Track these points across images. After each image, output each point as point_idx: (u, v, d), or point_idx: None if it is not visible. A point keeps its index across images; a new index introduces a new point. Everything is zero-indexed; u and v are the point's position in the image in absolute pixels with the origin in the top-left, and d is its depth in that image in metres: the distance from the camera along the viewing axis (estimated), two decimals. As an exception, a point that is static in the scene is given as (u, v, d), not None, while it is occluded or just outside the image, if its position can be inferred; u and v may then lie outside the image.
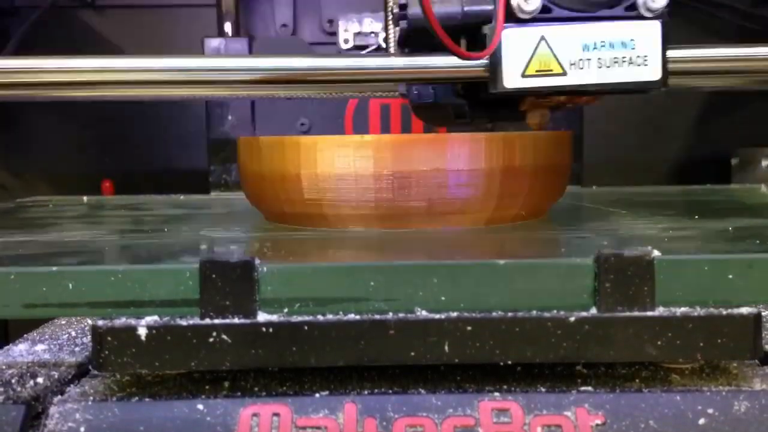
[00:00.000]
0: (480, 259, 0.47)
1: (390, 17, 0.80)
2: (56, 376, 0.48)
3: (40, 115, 1.23)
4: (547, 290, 0.46)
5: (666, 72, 0.72)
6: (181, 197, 1.01)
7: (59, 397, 0.45)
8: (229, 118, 1.23)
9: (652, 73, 0.71)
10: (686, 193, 0.93)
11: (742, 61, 0.86)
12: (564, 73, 0.69)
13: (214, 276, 0.45)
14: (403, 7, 0.76)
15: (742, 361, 0.48)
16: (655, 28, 0.71)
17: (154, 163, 1.27)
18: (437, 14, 0.70)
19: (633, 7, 0.70)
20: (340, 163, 0.61)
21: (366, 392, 0.45)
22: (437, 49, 0.69)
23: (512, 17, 0.69)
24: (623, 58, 0.71)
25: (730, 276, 0.46)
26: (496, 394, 0.44)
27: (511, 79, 0.69)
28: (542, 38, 0.69)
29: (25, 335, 0.57)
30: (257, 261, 0.46)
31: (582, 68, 0.70)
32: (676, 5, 1.24)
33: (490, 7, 0.70)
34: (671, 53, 0.73)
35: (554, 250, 0.55)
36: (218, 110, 1.20)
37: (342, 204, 0.62)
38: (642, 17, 0.71)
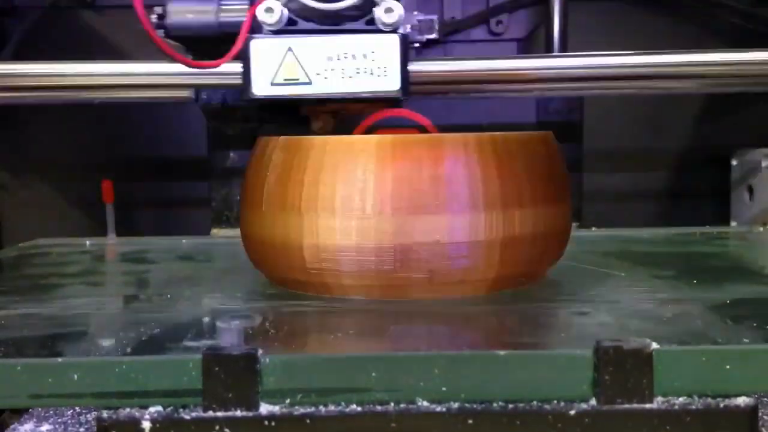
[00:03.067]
0: (480, 350, 0.47)
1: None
2: (61, 465, 0.48)
3: (39, 115, 1.23)
4: (547, 380, 0.46)
5: (406, 82, 0.75)
6: (183, 240, 1.01)
7: (64, 489, 0.46)
8: (231, 154, 1.23)
9: (392, 83, 0.74)
10: (684, 240, 0.93)
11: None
12: (310, 83, 0.73)
13: (217, 368, 0.46)
14: (160, 17, 0.81)
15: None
16: (393, 41, 0.73)
17: (155, 164, 1.29)
18: (194, 24, 0.76)
19: (372, 21, 0.74)
20: (342, 235, 0.61)
21: (368, 485, 0.46)
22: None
23: (261, 29, 0.73)
24: (365, 68, 0.73)
25: (728, 366, 0.46)
26: (497, 486, 0.45)
27: (260, 87, 0.73)
28: (289, 49, 0.73)
29: (30, 410, 0.58)
30: (260, 352, 0.46)
31: (327, 78, 0.73)
32: (676, 5, 1.24)
33: (243, 20, 0.74)
34: (411, 66, 0.76)
35: (554, 334, 0.56)
36: (220, 145, 1.21)
37: (344, 274, 0.62)
38: (381, 31, 0.74)
